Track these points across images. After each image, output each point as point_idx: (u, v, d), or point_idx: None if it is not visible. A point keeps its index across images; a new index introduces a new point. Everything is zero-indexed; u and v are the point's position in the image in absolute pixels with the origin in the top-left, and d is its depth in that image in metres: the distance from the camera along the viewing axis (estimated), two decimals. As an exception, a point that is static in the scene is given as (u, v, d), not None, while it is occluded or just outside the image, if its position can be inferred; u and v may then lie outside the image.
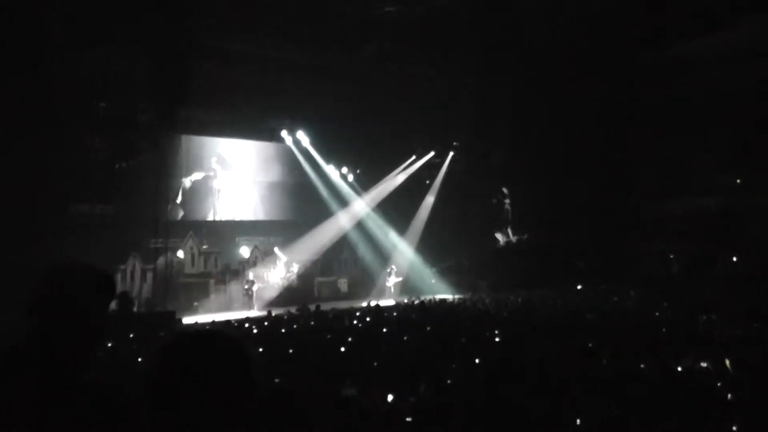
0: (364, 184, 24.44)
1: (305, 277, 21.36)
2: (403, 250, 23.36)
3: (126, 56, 15.26)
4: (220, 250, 20.63)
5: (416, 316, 11.01)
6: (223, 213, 22.95)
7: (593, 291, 15.93)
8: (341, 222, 22.69)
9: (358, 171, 24.29)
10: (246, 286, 17.76)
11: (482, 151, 23.23)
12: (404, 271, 21.54)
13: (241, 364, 1.25)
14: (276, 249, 21.32)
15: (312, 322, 10.83)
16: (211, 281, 19.11)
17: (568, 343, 6.73)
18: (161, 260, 18.21)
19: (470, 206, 24.35)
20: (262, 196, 23.82)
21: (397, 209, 23.93)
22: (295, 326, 10.14)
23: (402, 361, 6.00)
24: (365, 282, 22.22)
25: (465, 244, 23.59)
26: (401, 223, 24.12)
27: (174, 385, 1.18)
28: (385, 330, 8.95)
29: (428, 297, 16.83)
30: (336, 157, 23.72)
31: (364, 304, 15.35)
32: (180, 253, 19.72)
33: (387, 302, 16.28)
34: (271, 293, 19.24)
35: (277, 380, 4.83)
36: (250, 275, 18.17)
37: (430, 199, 24.80)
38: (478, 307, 13.01)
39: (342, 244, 22.98)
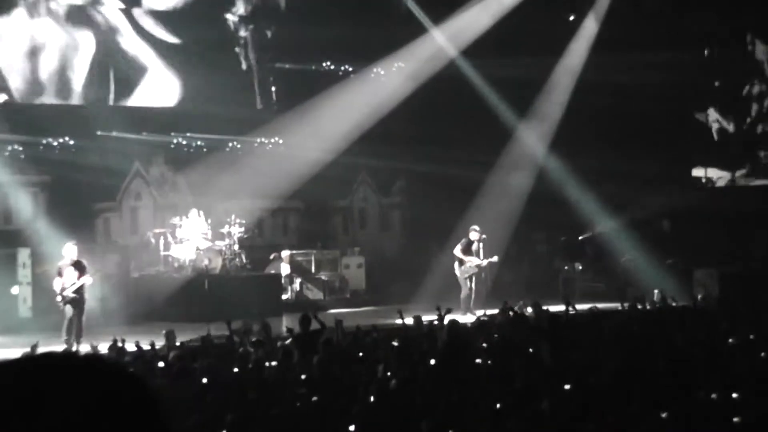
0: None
1: (262, 249, 21.80)
2: (502, 187, 23.10)
3: None
4: (52, 177, 21.04)
5: (539, 351, 12.19)
6: (70, 89, 22.91)
7: None
8: (348, 116, 22.50)
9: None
10: (63, 280, 16.80)
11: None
12: (505, 237, 21.53)
13: (150, 417, 1.43)
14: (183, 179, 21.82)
15: (274, 363, 11.86)
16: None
17: None
18: None
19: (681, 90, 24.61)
20: (157, 51, 23.96)
21: (494, 85, 23.27)
22: (236, 370, 11.40)
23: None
24: (409, 263, 22.52)
25: (662, 181, 23.84)
26: (501, 123, 23.73)
27: None
28: (454, 392, 9.73)
29: (559, 308, 17.43)
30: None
31: (407, 320, 15.86)
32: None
33: (462, 317, 17.07)
34: (175, 289, 19.58)
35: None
36: (72, 250, 17.15)
37: (572, 62, 24.80)
38: (690, 331, 14.14)
39: (349, 168, 23.15)
